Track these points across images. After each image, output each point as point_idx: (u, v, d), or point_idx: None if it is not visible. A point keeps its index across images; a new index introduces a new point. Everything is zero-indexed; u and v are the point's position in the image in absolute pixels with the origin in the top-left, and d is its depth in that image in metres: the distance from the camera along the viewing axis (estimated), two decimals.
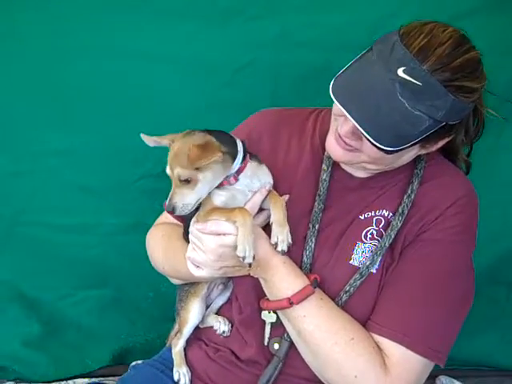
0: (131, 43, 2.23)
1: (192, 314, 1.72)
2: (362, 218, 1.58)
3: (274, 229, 1.50)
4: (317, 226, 1.59)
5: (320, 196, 1.61)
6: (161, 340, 1.98)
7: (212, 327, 1.73)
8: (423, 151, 1.52)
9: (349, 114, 1.33)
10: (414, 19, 1.43)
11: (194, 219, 1.54)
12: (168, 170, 1.47)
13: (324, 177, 1.63)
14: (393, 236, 1.53)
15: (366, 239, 1.56)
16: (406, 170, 1.59)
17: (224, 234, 1.46)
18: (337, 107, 1.39)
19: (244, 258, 1.42)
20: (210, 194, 1.51)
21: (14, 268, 2.48)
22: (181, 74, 2.25)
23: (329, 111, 1.58)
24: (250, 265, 1.45)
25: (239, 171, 1.52)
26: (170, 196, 1.46)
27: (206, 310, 1.76)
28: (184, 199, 1.45)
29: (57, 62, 2.25)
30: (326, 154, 1.65)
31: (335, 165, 1.64)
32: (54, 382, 2.44)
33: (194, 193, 1.45)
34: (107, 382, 2.39)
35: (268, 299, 1.56)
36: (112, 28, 2.21)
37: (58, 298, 2.51)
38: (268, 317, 1.61)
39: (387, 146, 1.34)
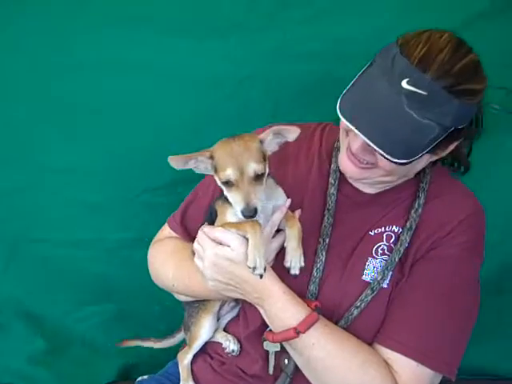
0: (133, 58, 2.24)
1: (203, 330, 1.71)
2: (372, 233, 1.59)
3: (289, 252, 1.48)
4: (327, 241, 1.59)
5: (329, 210, 1.62)
6: (166, 354, 1.97)
7: (219, 343, 1.72)
8: (434, 157, 1.52)
9: (358, 130, 1.34)
10: (412, 30, 1.44)
11: (200, 230, 1.53)
12: (234, 173, 1.39)
13: (332, 191, 1.63)
14: (402, 251, 1.53)
15: (377, 255, 1.56)
16: (413, 185, 1.60)
17: (223, 245, 1.45)
18: (343, 124, 1.42)
19: (255, 268, 1.40)
20: (225, 212, 1.50)
21: (18, 284, 2.48)
22: (182, 87, 2.26)
23: (334, 125, 1.59)
24: (260, 276, 1.42)
25: None
26: (245, 199, 1.37)
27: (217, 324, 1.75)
28: (260, 196, 1.40)
29: (59, 79, 2.26)
30: (332, 167, 1.66)
31: (343, 179, 1.65)
32: None
33: (262, 187, 1.42)
34: None
35: (271, 331, 1.53)
36: (114, 43, 2.22)
37: (63, 313, 2.51)
38: (271, 346, 1.58)
39: (401, 159, 1.34)
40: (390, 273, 1.53)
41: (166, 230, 1.91)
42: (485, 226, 1.59)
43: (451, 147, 1.50)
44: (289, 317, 1.47)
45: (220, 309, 1.73)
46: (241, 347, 1.69)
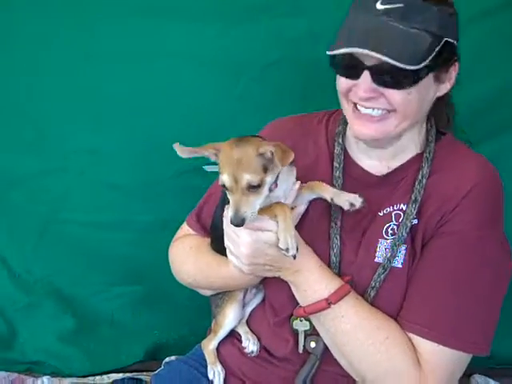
0: (160, 44, 2.26)
1: (228, 319, 1.71)
2: (381, 214, 1.56)
3: (339, 199, 1.50)
4: (338, 224, 1.58)
5: None
6: (194, 337, 1.98)
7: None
8: (438, 92, 1.50)
9: (360, 48, 1.35)
10: None
11: (227, 212, 1.50)
12: (229, 180, 1.37)
13: (337, 174, 1.62)
14: (409, 225, 1.50)
15: (387, 235, 1.54)
16: (418, 160, 1.57)
17: (262, 231, 1.44)
18: (343, 83, 1.46)
19: (287, 249, 1.40)
20: None
21: (49, 264, 2.53)
22: (209, 72, 2.27)
23: (340, 112, 1.59)
24: (294, 257, 1.41)
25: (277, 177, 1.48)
26: (235, 207, 1.36)
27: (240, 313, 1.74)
28: (253, 207, 1.38)
29: (86, 64, 2.29)
30: (336, 151, 1.65)
31: (350, 163, 1.63)
32: (88, 376, 2.49)
33: (260, 198, 1.40)
34: (141, 376, 2.43)
35: (301, 306, 1.54)
36: (141, 31, 2.25)
37: (92, 293, 2.56)
38: (300, 325, 1.59)
39: (411, 65, 1.34)
40: (403, 252, 1.51)
41: (184, 228, 1.91)
42: (500, 191, 1.52)
43: (451, 76, 1.49)
44: (322, 288, 1.49)
45: (244, 297, 1.73)
46: (271, 332, 1.68)
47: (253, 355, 1.69)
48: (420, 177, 1.53)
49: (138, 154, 2.39)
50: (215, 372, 1.71)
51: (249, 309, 1.75)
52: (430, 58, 1.37)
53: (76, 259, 2.51)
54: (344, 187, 1.60)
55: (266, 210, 1.45)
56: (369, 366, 1.47)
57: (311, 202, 1.57)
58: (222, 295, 1.73)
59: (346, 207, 1.50)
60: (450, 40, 1.42)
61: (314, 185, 1.54)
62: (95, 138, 2.38)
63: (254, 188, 1.37)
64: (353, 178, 1.62)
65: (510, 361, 2.41)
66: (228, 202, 1.44)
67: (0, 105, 2.35)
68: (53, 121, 2.38)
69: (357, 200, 1.49)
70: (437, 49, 1.38)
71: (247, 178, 1.36)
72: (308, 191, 1.54)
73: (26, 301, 2.54)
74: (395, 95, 1.42)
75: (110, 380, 2.47)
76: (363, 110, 1.48)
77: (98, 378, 2.48)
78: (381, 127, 1.49)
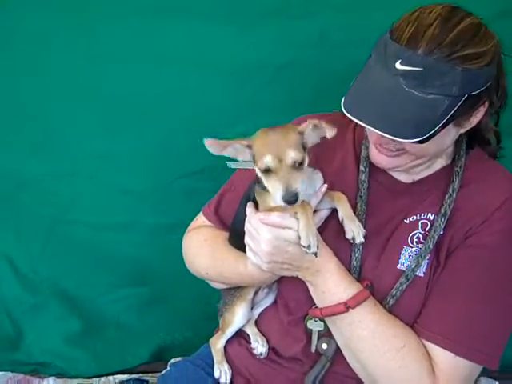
0: (170, 47, 2.27)
1: (237, 317, 1.71)
2: (407, 221, 1.56)
3: (347, 223, 1.50)
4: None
5: (362, 198, 1.60)
6: (199, 338, 1.98)
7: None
8: (462, 130, 1.47)
9: (361, 120, 1.33)
10: None
11: (249, 210, 1.52)
12: (272, 160, 1.37)
13: (363, 178, 1.61)
14: (436, 237, 1.51)
15: (412, 243, 1.54)
16: (450, 173, 1.57)
17: (283, 228, 1.43)
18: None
19: (309, 247, 1.40)
20: (266, 199, 1.48)
21: (55, 265, 2.54)
22: (220, 75, 2.27)
23: None
24: (315, 254, 1.41)
25: None
26: (285, 184, 1.35)
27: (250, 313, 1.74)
28: (300, 184, 1.38)
29: (95, 68, 2.30)
30: (362, 154, 1.64)
31: (377, 167, 1.62)
32: (94, 377, 2.49)
33: (304, 176, 1.42)
34: (146, 378, 2.43)
35: (318, 307, 1.54)
36: (153, 32, 2.25)
37: (99, 295, 2.56)
38: (315, 325, 1.59)
39: (414, 138, 1.31)
40: (426, 261, 1.51)
41: (200, 219, 1.91)
42: None
43: (477, 115, 1.45)
44: (341, 291, 1.48)
45: (254, 297, 1.73)
46: (283, 331, 1.68)
47: (261, 357, 1.69)
48: (451, 191, 1.53)
49: (145, 157, 2.40)
50: (222, 371, 1.72)
51: (259, 309, 1.75)
52: (446, 119, 1.33)
53: (82, 261, 2.52)
54: (370, 191, 1.60)
55: (285, 207, 1.44)
56: (383, 373, 1.47)
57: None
58: (234, 291, 1.72)
59: (347, 235, 1.50)
60: (474, 93, 1.36)
61: (335, 195, 1.53)
62: (103, 142, 2.39)
63: (297, 165, 1.38)
64: (379, 182, 1.62)
65: None
66: (254, 199, 1.49)
67: (10, 106, 2.36)
68: (63, 124, 2.38)
69: (359, 236, 1.49)
70: (456, 107, 1.33)
71: (292, 155, 1.36)
72: (329, 199, 1.53)
73: (33, 302, 2.55)
74: (411, 145, 1.41)
75: (116, 381, 2.47)
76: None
77: (103, 379, 2.48)
78: (395, 161, 1.51)
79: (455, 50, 1.31)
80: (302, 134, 1.42)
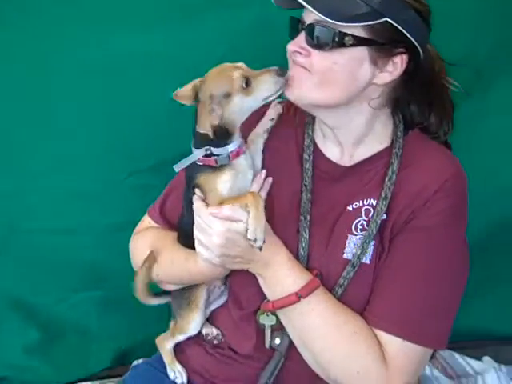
0: (111, 50, 2.24)
1: (191, 326, 1.67)
2: (351, 209, 1.54)
3: (251, 223, 1.41)
4: (308, 217, 1.55)
5: (306, 186, 1.57)
6: None
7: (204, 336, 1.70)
8: (375, 79, 1.45)
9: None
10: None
11: (198, 203, 1.48)
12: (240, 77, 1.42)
13: (307, 166, 1.59)
14: (378, 222, 1.48)
15: (356, 231, 1.52)
16: (388, 154, 1.54)
17: (236, 221, 1.41)
18: (288, 46, 1.47)
19: (255, 240, 1.38)
20: (215, 185, 1.47)
21: (8, 275, 2.46)
22: (167, 70, 2.23)
23: None
24: (260, 249, 1.40)
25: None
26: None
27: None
28: None
29: (39, 70, 2.24)
30: (305, 143, 1.62)
31: (319, 155, 1.61)
32: None
33: None
34: (109, 383, 2.37)
35: (269, 301, 1.52)
36: (94, 37, 2.22)
37: (56, 302, 2.49)
38: (267, 320, 1.57)
39: (334, 19, 1.33)
40: (372, 247, 1.49)
41: (146, 220, 1.87)
42: (466, 187, 1.52)
43: (395, 66, 1.44)
44: (291, 283, 1.47)
45: (209, 296, 1.69)
46: (235, 328, 1.66)
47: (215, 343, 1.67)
48: (390, 173, 1.51)
49: (93, 157, 2.35)
50: (176, 372, 1.68)
51: (211, 307, 1.72)
52: (361, 24, 1.35)
53: (36, 268, 2.45)
54: (314, 179, 1.58)
55: (239, 198, 1.43)
56: (336, 363, 1.46)
57: (281, 195, 1.55)
58: (188, 295, 1.67)
59: (249, 236, 1.41)
60: (393, 23, 1.38)
61: (248, 197, 1.46)
62: (49, 143, 2.33)
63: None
64: (321, 170, 1.60)
65: (470, 333, 2.45)
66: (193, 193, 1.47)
67: None
68: (8, 126, 2.32)
69: (260, 240, 1.41)
70: (371, 22, 1.36)
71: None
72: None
73: None
74: (319, 58, 1.40)
75: None
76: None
77: None
78: (298, 91, 1.47)
79: None
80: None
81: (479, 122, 2.28)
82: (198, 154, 1.47)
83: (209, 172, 1.47)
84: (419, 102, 1.59)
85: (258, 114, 1.62)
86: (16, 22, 2.20)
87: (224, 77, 1.43)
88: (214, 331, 1.69)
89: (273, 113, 1.64)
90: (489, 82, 2.23)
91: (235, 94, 1.41)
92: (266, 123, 1.63)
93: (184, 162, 1.48)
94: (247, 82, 1.41)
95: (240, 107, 1.44)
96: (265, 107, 1.62)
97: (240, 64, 1.47)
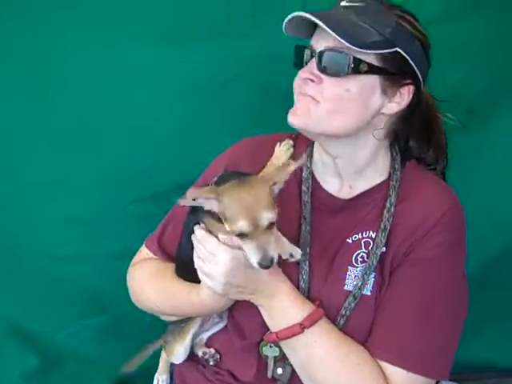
0: (120, 71, 2.25)
1: (175, 356, 1.71)
2: (350, 241, 1.56)
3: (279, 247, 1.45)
4: (308, 250, 1.56)
5: (305, 219, 1.59)
6: None
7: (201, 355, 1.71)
8: (384, 109, 1.48)
9: (315, 18, 1.37)
10: None
11: (201, 232, 1.48)
12: (248, 225, 1.31)
13: (306, 199, 1.61)
14: (378, 254, 1.50)
15: (356, 263, 1.53)
16: (386, 186, 1.57)
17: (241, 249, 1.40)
18: (297, 78, 1.48)
19: (291, 255, 1.43)
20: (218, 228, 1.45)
21: (8, 301, 2.46)
22: (165, 94, 2.26)
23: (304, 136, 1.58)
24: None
25: None
26: (262, 250, 1.31)
27: (197, 338, 1.73)
28: (274, 247, 1.34)
29: (42, 94, 2.25)
30: (303, 175, 1.64)
31: (317, 187, 1.63)
32: None
33: (273, 233, 1.37)
34: None
35: (272, 332, 1.52)
36: (98, 56, 2.22)
37: (55, 329, 2.49)
38: (270, 351, 1.57)
39: (349, 43, 1.36)
40: (372, 279, 1.51)
41: (143, 252, 1.87)
42: (464, 220, 1.54)
43: (402, 96, 1.47)
44: (294, 314, 1.47)
45: (203, 325, 1.70)
46: (236, 356, 1.66)
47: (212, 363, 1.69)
48: (388, 205, 1.52)
49: (95, 184, 2.35)
50: (160, 380, 1.73)
51: (207, 334, 1.73)
52: (375, 52, 1.38)
53: (36, 295, 2.44)
54: (312, 212, 1.60)
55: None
56: None
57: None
58: (184, 324, 1.69)
59: (284, 256, 1.46)
60: (403, 54, 1.42)
61: None
62: (51, 170, 2.33)
63: (270, 226, 1.33)
64: (320, 202, 1.62)
65: (471, 365, 2.46)
66: (194, 225, 1.46)
67: None
68: (8, 151, 2.32)
69: (297, 254, 1.47)
70: (384, 51, 1.40)
71: (268, 216, 1.31)
72: None
73: None
74: (331, 85, 1.42)
75: None
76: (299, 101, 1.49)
77: None
78: (307, 120, 1.48)
79: (395, 7, 1.44)
80: (274, 185, 1.37)
81: (474, 156, 2.31)
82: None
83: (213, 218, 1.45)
84: (418, 138, 1.63)
85: (268, 153, 1.65)
86: (16, 23, 2.19)
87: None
88: (212, 350, 1.70)
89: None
90: (481, 118, 2.27)
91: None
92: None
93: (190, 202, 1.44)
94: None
95: None
96: (273, 145, 1.66)
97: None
